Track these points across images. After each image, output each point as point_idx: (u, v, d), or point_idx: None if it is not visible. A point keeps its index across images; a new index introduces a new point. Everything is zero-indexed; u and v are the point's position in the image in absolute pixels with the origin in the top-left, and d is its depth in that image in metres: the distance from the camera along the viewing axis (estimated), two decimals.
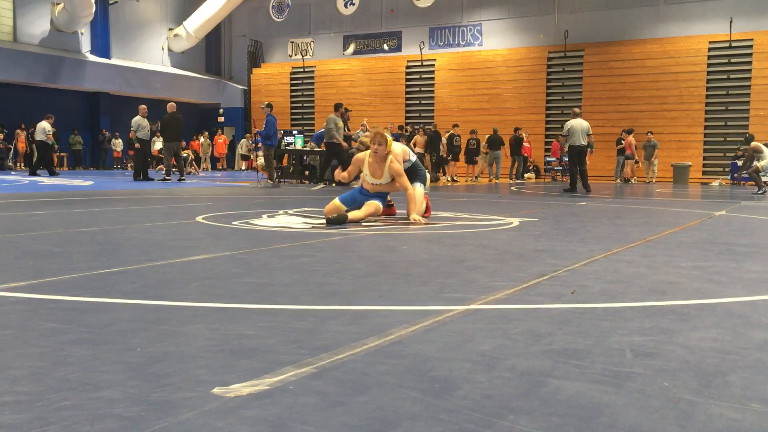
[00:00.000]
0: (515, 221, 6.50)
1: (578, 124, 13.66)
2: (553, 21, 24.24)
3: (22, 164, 23.54)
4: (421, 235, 5.28)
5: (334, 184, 14.13)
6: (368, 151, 6.31)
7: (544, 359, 1.96)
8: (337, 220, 5.77)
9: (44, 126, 17.89)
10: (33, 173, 17.77)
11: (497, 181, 19.75)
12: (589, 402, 1.61)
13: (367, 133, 6.94)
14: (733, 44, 21.49)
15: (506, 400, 1.62)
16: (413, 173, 6.59)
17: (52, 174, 17.57)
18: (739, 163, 19.51)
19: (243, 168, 27.18)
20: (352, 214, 6.00)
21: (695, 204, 10.34)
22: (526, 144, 21.79)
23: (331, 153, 14.80)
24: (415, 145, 17.61)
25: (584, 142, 13.65)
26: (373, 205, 6.17)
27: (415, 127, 20.50)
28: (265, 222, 6.11)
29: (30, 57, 23.06)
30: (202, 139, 26.61)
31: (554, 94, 24.33)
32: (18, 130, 23.14)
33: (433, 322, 2.38)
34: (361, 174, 6.43)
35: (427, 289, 3.02)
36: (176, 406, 1.53)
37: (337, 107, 15.08)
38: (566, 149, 14.64)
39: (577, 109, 14.40)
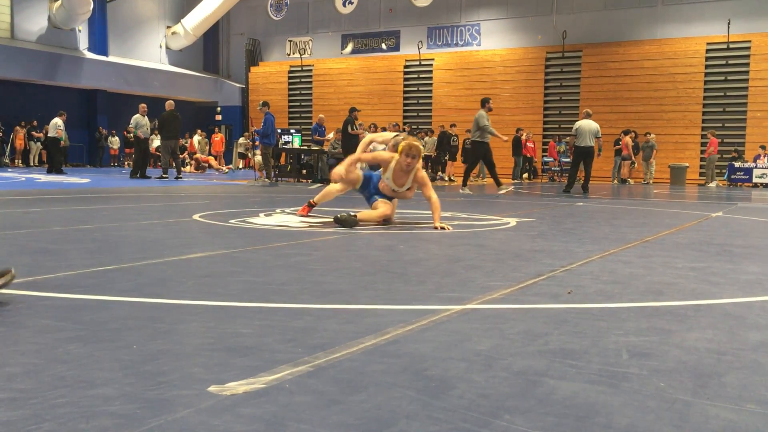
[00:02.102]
0: (512, 221, 6.50)
1: (587, 124, 13.34)
2: (551, 21, 24.25)
3: (20, 161, 23.49)
4: (419, 234, 5.27)
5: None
6: (394, 155, 5.87)
7: (540, 359, 1.96)
8: (346, 222, 5.49)
9: (56, 122, 17.92)
10: (56, 172, 17.50)
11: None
12: (585, 402, 1.61)
13: (395, 136, 6.39)
14: (731, 46, 21.52)
15: (502, 399, 1.62)
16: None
17: (59, 172, 17.50)
18: (737, 164, 19.58)
19: (240, 166, 27.15)
20: (363, 215, 5.72)
21: (692, 205, 10.35)
22: (530, 144, 21.82)
23: (477, 153, 12.78)
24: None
25: (591, 144, 13.29)
26: (389, 206, 5.89)
27: (413, 127, 20.51)
28: (262, 220, 6.10)
29: (27, 54, 23.01)
30: (198, 138, 26.58)
31: (552, 94, 24.34)
32: (17, 127, 23.09)
33: (430, 322, 2.38)
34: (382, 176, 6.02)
35: (424, 288, 3.01)
36: (172, 404, 1.53)
37: (485, 102, 12.82)
38: (568, 149, 14.48)
39: (589, 110, 14.08)
